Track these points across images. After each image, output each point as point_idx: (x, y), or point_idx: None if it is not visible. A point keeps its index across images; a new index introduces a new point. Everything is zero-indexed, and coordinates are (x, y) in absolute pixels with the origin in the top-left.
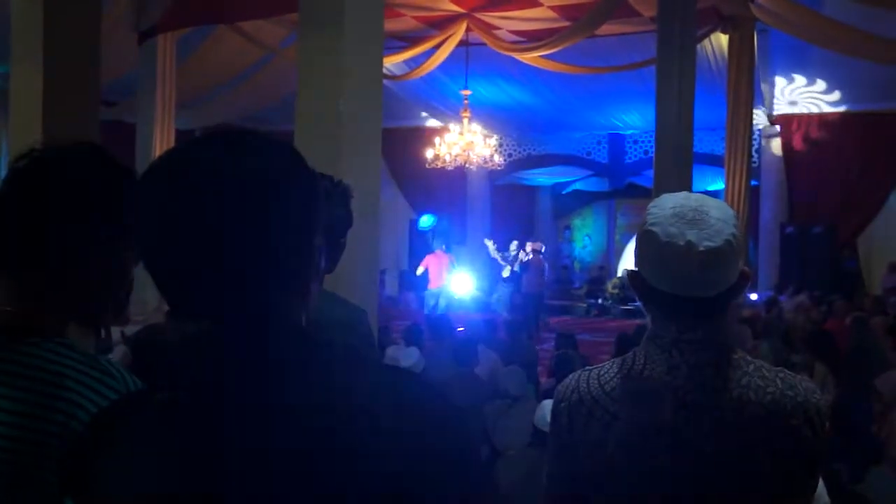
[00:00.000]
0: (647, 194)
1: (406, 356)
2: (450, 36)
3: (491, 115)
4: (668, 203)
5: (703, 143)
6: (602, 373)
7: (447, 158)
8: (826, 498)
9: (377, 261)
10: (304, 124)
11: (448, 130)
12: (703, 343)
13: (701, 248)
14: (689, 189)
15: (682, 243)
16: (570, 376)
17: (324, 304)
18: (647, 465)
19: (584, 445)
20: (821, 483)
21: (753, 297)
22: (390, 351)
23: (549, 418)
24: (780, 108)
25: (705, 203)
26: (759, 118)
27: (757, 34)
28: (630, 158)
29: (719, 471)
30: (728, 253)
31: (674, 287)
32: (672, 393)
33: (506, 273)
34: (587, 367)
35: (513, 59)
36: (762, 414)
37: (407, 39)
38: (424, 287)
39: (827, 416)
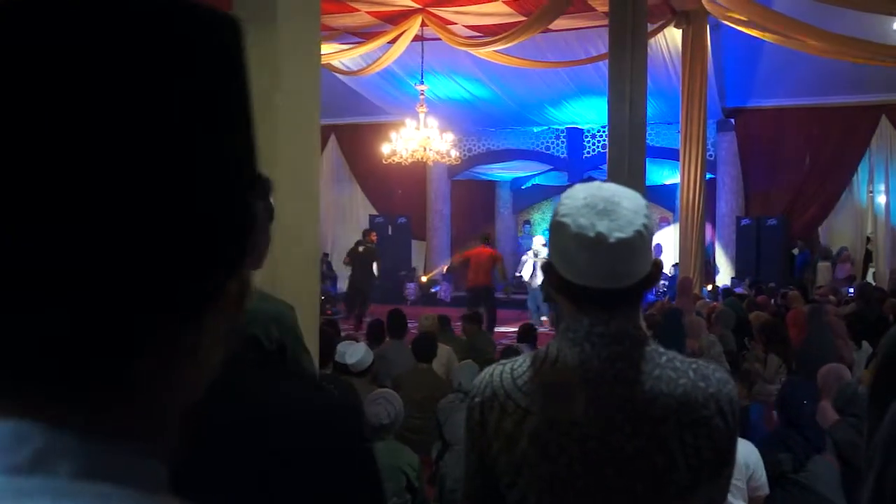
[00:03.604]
0: None
1: (352, 353)
2: (405, 31)
3: (449, 110)
4: (581, 193)
5: (661, 137)
6: (515, 367)
7: (404, 154)
8: (766, 489)
9: (317, 255)
10: None
11: (404, 125)
12: (614, 336)
13: (611, 240)
14: (643, 183)
15: (592, 234)
16: (485, 370)
17: (253, 300)
18: (560, 459)
19: (497, 442)
20: (762, 472)
21: (709, 288)
22: (340, 346)
23: None
24: (735, 101)
25: (617, 193)
26: (714, 112)
27: (709, 29)
28: (588, 152)
29: (632, 464)
30: (639, 244)
31: (585, 279)
32: (583, 386)
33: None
34: (502, 361)
35: (469, 53)
36: (674, 406)
37: (362, 34)
38: None
39: (738, 406)
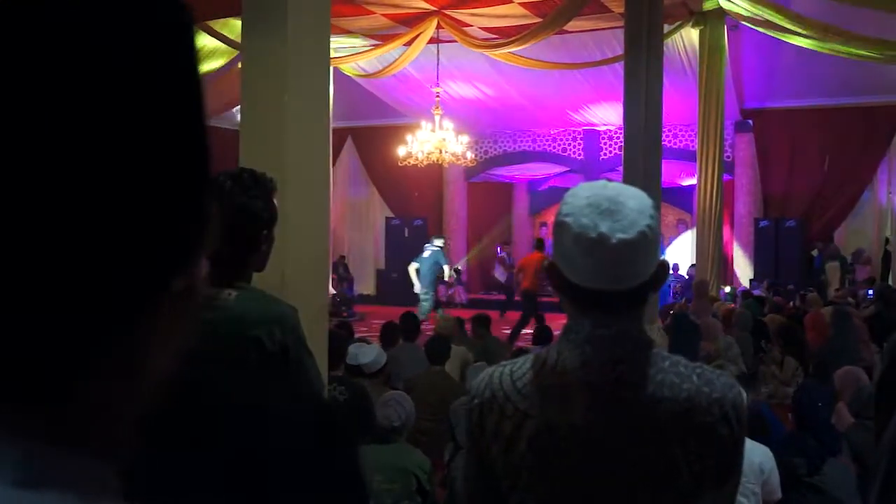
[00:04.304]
0: None
1: (364, 354)
2: (421, 33)
3: (465, 112)
4: (584, 193)
5: (678, 138)
6: (515, 369)
7: (419, 156)
8: (779, 493)
9: (326, 256)
10: (249, 121)
11: (420, 128)
12: (617, 338)
13: (614, 241)
14: (658, 185)
15: (594, 235)
16: (485, 372)
17: (256, 301)
18: (560, 464)
19: (496, 444)
20: (777, 476)
21: (727, 289)
22: (352, 348)
23: None
24: (753, 102)
25: (622, 193)
26: (732, 113)
27: (728, 29)
28: (605, 154)
29: (633, 470)
30: (643, 245)
31: (587, 280)
32: (584, 390)
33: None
34: (503, 363)
35: (485, 55)
36: (677, 411)
37: (378, 37)
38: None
39: (745, 412)
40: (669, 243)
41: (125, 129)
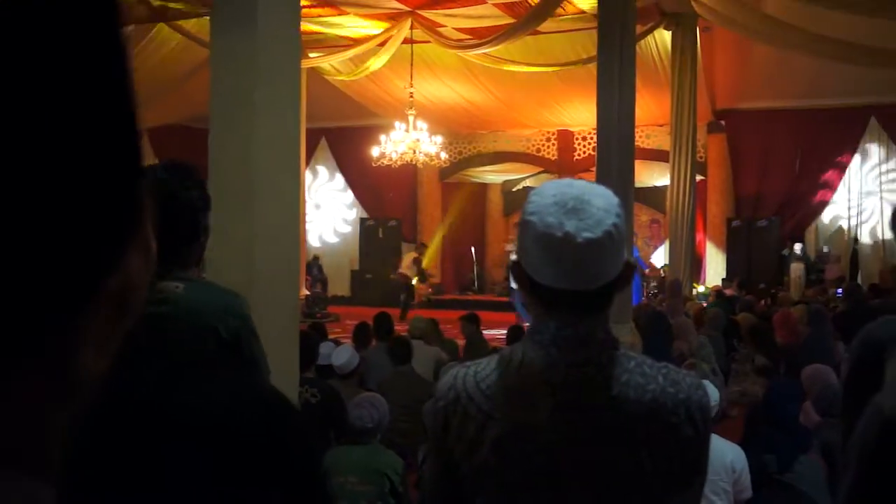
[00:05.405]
0: None
1: (338, 355)
2: (395, 34)
3: (439, 113)
4: (550, 191)
5: (651, 138)
6: (479, 369)
7: (393, 156)
8: (749, 492)
9: (297, 256)
10: (219, 120)
11: (394, 128)
12: (582, 339)
13: (579, 240)
14: (631, 185)
15: (559, 234)
16: (450, 373)
17: (207, 292)
18: (523, 467)
19: (460, 447)
20: (748, 475)
21: (700, 289)
22: (324, 349)
23: None
24: (725, 103)
25: (588, 191)
26: (705, 114)
27: (700, 31)
28: (579, 155)
29: (598, 472)
30: (608, 245)
31: (552, 280)
32: (549, 391)
33: None
34: (467, 364)
35: (459, 55)
36: (641, 413)
37: (352, 38)
38: None
39: (710, 412)
40: (648, 245)
41: (37, 107)
